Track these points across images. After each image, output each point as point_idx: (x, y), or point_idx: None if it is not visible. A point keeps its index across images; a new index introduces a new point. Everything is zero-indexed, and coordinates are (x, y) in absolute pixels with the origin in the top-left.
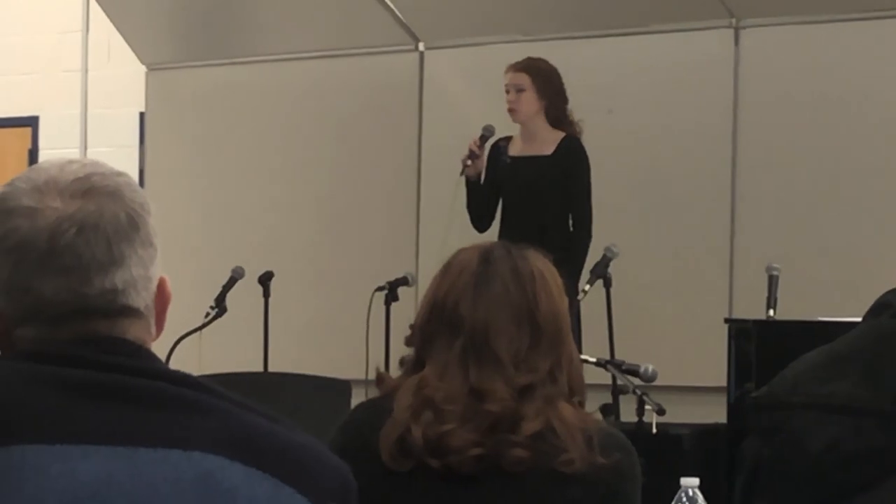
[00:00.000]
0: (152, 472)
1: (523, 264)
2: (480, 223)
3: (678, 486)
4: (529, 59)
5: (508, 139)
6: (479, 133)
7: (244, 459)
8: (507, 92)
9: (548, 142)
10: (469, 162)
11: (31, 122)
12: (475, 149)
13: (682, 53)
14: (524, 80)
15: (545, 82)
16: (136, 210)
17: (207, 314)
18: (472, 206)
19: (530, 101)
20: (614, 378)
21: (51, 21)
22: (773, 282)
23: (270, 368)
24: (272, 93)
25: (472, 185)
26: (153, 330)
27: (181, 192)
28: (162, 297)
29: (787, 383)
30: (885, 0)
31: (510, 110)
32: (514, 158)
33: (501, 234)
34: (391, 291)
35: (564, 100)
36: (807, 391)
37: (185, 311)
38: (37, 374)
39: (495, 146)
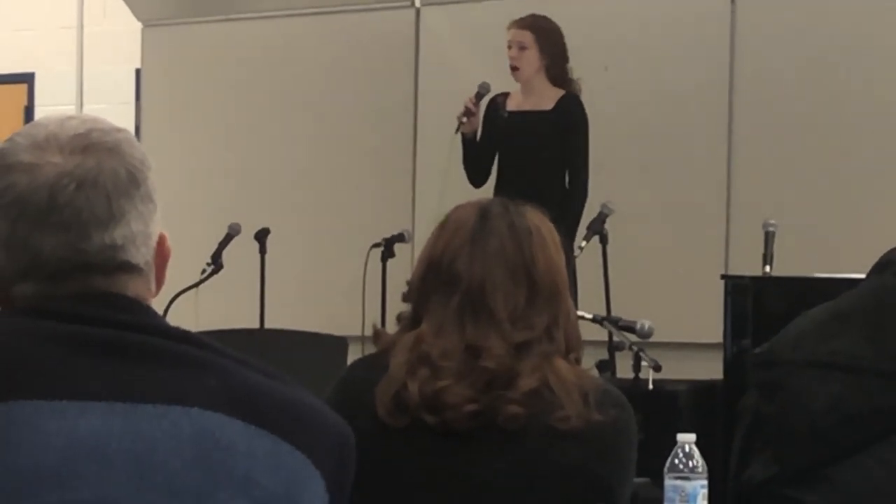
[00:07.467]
0: (151, 428)
1: (520, 221)
2: (476, 179)
3: (675, 442)
4: (533, 16)
5: (506, 95)
6: (475, 90)
7: (243, 416)
8: (510, 48)
9: (548, 98)
10: (465, 119)
11: (27, 79)
12: (471, 106)
13: (678, 10)
14: (527, 37)
15: (548, 41)
16: (136, 166)
17: (204, 270)
18: (468, 163)
19: (532, 59)
20: (610, 334)
21: None
22: (769, 238)
23: (267, 325)
24: (268, 49)
25: (467, 142)
26: (153, 286)
27: (177, 148)
28: (161, 254)
29: (789, 340)
30: None
31: (512, 67)
32: (513, 113)
33: (497, 190)
34: (387, 248)
35: (565, 58)
36: (809, 348)
37: (181, 267)
38: (36, 329)
39: (492, 102)
